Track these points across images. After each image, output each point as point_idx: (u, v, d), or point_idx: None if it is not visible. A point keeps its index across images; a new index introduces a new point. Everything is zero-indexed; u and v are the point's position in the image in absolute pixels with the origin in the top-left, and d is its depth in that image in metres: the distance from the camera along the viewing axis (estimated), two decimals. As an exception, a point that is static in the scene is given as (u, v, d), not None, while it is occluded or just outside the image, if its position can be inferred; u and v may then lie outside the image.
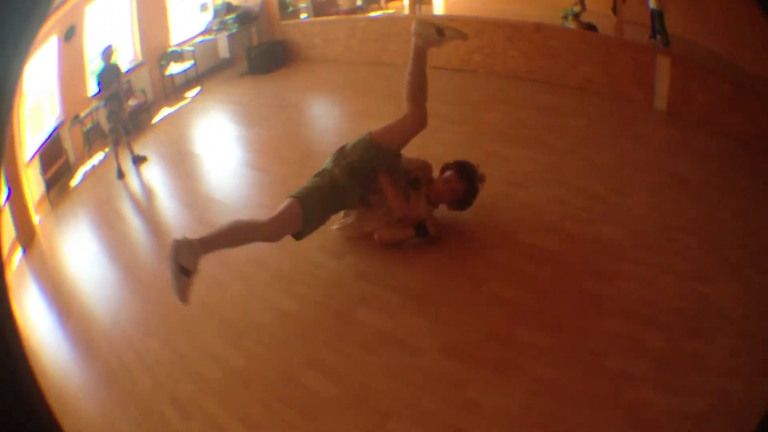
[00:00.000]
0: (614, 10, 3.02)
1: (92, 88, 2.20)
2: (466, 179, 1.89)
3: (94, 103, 2.19)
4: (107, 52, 2.25)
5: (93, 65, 2.23)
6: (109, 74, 2.22)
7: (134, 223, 2.09)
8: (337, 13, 2.80)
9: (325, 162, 1.83)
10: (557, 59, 3.19)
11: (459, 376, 1.34)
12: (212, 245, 1.50)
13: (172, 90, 2.32)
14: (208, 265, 1.42)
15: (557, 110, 2.96)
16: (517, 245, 1.76)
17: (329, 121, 2.42)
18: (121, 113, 2.20)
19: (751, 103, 3.10)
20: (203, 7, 2.46)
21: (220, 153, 2.33)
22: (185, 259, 1.41)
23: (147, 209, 2.09)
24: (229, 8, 2.46)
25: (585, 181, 2.06)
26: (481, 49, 3.12)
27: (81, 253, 1.99)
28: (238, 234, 1.59)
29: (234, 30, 2.37)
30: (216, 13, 2.42)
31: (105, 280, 1.84)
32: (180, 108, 2.36)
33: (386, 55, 2.89)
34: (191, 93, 2.39)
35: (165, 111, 2.33)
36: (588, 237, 1.78)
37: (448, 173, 1.91)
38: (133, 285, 1.81)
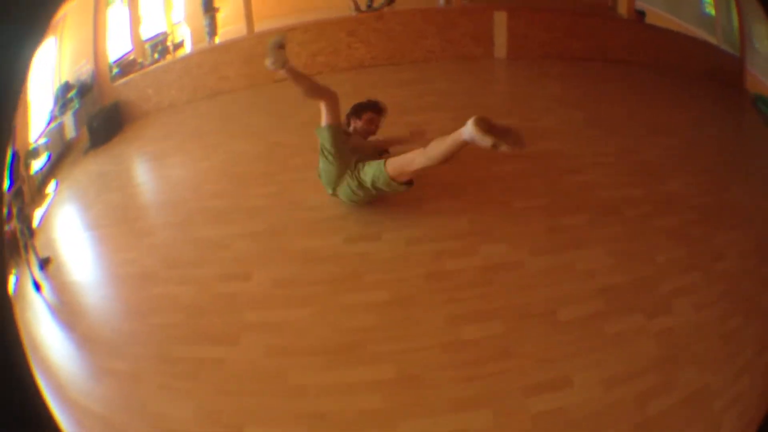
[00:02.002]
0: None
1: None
2: (381, 111, 2.17)
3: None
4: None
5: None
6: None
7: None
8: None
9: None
10: (399, 40, 3.41)
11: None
12: None
13: (36, 190, 2.03)
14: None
15: (414, 81, 3.20)
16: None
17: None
18: (25, 209, 1.86)
19: (589, 26, 3.72)
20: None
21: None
22: None
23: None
24: (67, 87, 2.25)
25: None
26: (323, 50, 3.22)
27: None
28: None
29: (77, 106, 2.17)
30: (56, 98, 2.21)
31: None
32: (48, 206, 2.07)
33: (225, 83, 2.88)
34: (50, 188, 2.10)
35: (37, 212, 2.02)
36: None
37: (365, 116, 2.18)
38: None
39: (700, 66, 4.55)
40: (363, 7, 3.19)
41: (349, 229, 1.96)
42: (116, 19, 2.25)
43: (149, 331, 1.64)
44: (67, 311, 1.68)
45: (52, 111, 2.12)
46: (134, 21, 2.30)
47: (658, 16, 4.05)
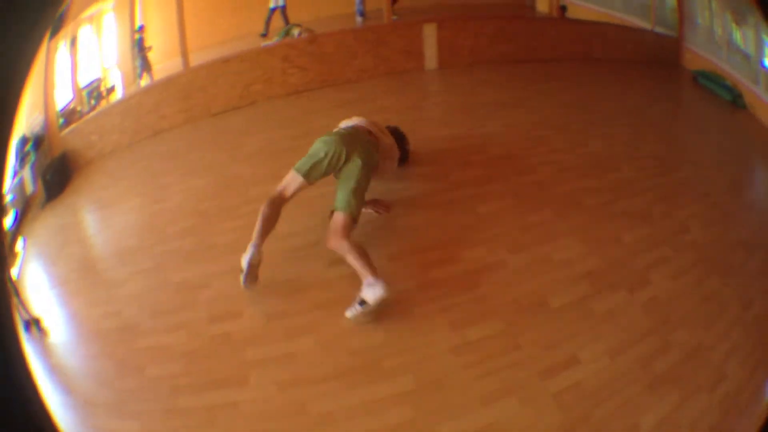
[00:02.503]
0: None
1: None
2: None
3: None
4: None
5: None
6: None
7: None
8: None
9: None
10: (333, 62, 3.51)
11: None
12: None
13: (9, 249, 1.87)
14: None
15: (352, 102, 3.33)
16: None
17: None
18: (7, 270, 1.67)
19: (515, 29, 4.05)
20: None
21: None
22: None
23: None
24: (24, 140, 2.09)
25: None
26: (258, 79, 3.26)
27: None
28: None
29: (33, 159, 2.02)
30: (17, 152, 2.05)
31: None
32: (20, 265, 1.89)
33: (164, 121, 2.83)
34: (19, 246, 1.93)
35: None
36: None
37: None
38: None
39: (636, 52, 5.05)
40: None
41: (328, 254, 1.97)
42: (61, 66, 2.15)
43: (150, 386, 1.58)
44: (59, 374, 1.57)
45: (15, 166, 1.99)
46: (74, 68, 2.22)
47: (588, 8, 4.48)
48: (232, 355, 1.59)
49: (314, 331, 1.62)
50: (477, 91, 3.30)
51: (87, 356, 1.73)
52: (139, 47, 2.76)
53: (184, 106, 2.90)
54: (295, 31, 3.43)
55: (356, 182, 1.99)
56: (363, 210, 2.03)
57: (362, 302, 1.64)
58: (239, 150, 2.77)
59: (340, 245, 1.85)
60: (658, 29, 5.24)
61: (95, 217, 2.17)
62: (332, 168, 2.09)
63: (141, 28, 2.72)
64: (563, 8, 4.61)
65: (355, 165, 2.05)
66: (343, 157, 2.06)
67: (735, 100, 5.43)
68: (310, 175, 2.07)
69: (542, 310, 1.66)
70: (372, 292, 1.65)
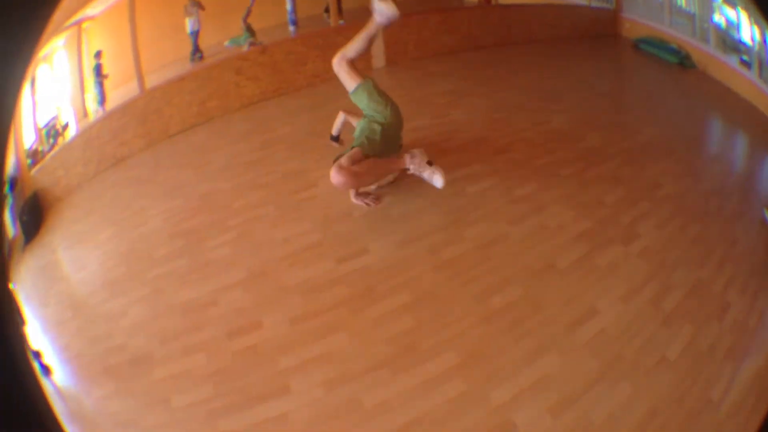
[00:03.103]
0: (327, 10, 3.71)
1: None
2: None
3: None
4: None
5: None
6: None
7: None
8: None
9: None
10: (284, 71, 3.55)
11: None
12: None
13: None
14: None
15: (309, 108, 3.42)
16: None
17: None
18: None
19: (456, 20, 4.26)
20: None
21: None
22: None
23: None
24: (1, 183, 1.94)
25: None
26: (214, 95, 3.24)
27: None
28: None
29: (11, 202, 1.87)
30: None
31: None
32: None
33: (124, 148, 2.75)
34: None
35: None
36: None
37: None
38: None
39: (576, 28, 5.45)
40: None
41: (333, 251, 2.03)
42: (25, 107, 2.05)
43: (182, 416, 1.54)
44: (79, 421, 1.51)
45: (-2, 211, 1.87)
46: (34, 108, 2.12)
47: None
48: (264, 367, 1.60)
49: (343, 327, 1.66)
50: (430, 83, 3.47)
51: (103, 398, 1.67)
52: (97, 73, 2.71)
53: (142, 131, 2.89)
54: (244, 41, 3.44)
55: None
56: (355, 202, 2.24)
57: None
58: (206, 167, 2.74)
59: None
60: (596, 3, 5.70)
61: (75, 253, 2.09)
62: None
63: (98, 54, 2.67)
64: None
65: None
66: None
67: (683, 62, 6.01)
68: None
69: (552, 271, 1.82)
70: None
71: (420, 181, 2.36)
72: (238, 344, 1.66)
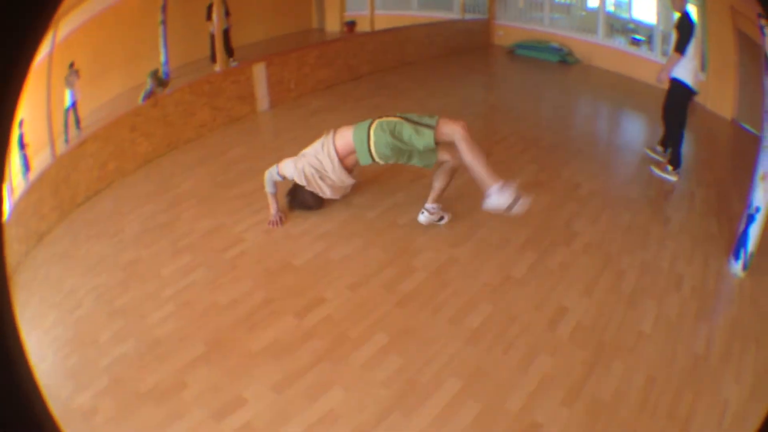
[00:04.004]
0: (212, 57, 3.72)
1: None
2: None
3: None
4: None
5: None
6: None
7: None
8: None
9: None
10: (174, 123, 3.41)
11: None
12: None
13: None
14: None
15: (201, 160, 3.32)
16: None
17: None
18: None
19: (332, 52, 4.48)
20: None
21: None
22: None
23: None
24: None
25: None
26: (111, 156, 3.04)
27: None
28: None
29: None
30: None
31: None
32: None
33: (43, 223, 2.63)
34: None
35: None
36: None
37: None
38: None
39: (448, 44, 5.86)
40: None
41: (288, 306, 1.98)
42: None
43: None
44: None
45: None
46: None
47: (391, 16, 5.13)
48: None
49: (333, 382, 1.65)
50: (318, 120, 3.51)
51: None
52: (20, 145, 2.57)
53: (56, 203, 2.76)
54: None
55: None
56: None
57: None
58: (121, 235, 2.59)
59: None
60: (469, 15, 6.21)
61: (33, 341, 1.80)
62: None
63: (21, 123, 2.47)
64: (351, 23, 5.16)
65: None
66: None
67: (565, 59, 6.72)
68: None
69: (511, 282, 1.98)
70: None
71: (348, 222, 2.41)
72: (230, 425, 1.55)
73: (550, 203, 2.51)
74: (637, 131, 3.73)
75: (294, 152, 2.95)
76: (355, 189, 2.64)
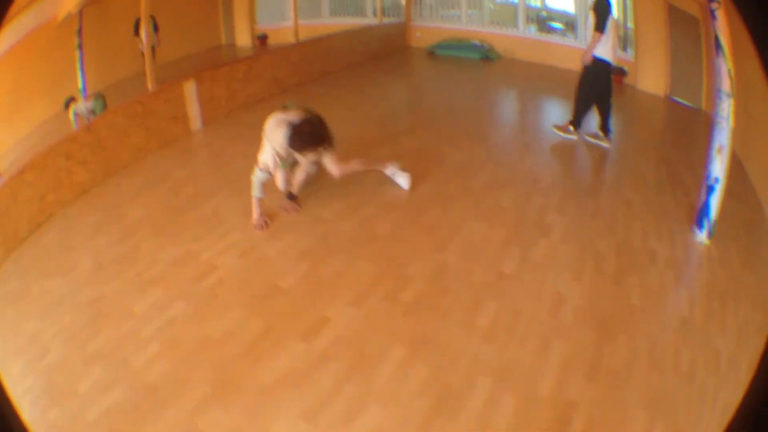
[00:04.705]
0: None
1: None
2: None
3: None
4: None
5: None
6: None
7: None
8: None
9: None
10: (109, 148, 3.18)
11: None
12: None
13: None
14: None
15: (145, 184, 3.14)
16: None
17: None
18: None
19: (260, 66, 4.44)
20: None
21: None
22: None
23: None
24: None
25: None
26: (49, 187, 2.81)
27: None
28: None
29: None
30: None
31: None
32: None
33: None
34: None
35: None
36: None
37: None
38: None
39: (369, 50, 5.91)
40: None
41: (290, 331, 1.96)
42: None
43: None
44: None
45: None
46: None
47: (308, 25, 5.09)
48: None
49: (366, 400, 1.66)
50: (252, 137, 3.41)
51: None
52: None
53: (1, 239, 2.51)
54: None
55: None
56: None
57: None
58: (75, 271, 2.45)
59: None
60: (387, 19, 6.24)
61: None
62: None
63: None
64: (263, 37, 5.06)
65: None
66: None
67: (487, 55, 6.95)
68: None
69: (505, 278, 2.14)
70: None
71: (326, 237, 2.43)
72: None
73: (515, 198, 2.70)
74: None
75: (238, 170, 2.87)
76: (322, 202, 2.71)
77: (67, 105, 3.10)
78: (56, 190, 2.89)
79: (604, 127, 3.40)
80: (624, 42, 5.27)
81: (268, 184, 2.54)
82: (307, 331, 1.91)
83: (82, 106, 3.17)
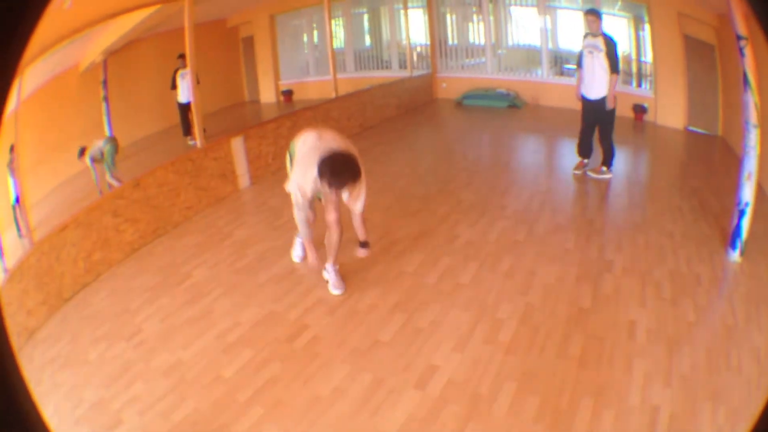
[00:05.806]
0: (185, 131, 3.73)
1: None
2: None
3: None
4: None
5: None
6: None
7: None
8: None
9: None
10: (159, 206, 3.26)
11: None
12: None
13: None
14: None
15: (201, 245, 3.28)
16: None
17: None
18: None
19: (305, 121, 4.63)
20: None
21: None
22: None
23: None
24: None
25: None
26: (95, 246, 2.86)
27: None
28: None
29: None
30: None
31: None
32: None
33: (32, 319, 2.52)
34: None
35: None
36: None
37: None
38: None
39: (401, 103, 6.66)
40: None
41: (400, 381, 2.12)
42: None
43: None
44: None
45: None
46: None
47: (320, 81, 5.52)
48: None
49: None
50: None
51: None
52: None
53: (42, 297, 2.61)
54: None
55: None
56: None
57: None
58: (140, 335, 2.43)
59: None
60: (417, 72, 6.38)
61: None
62: None
63: None
64: (288, 92, 5.20)
65: None
66: None
67: (514, 103, 7.16)
68: None
69: (585, 312, 2.48)
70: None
71: (413, 290, 2.65)
72: None
73: (578, 240, 3.15)
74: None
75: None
76: (398, 254, 3.03)
77: (80, 154, 3.13)
78: (103, 250, 2.94)
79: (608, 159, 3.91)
80: (639, 77, 5.55)
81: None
82: (418, 379, 2.09)
83: (95, 148, 3.17)
